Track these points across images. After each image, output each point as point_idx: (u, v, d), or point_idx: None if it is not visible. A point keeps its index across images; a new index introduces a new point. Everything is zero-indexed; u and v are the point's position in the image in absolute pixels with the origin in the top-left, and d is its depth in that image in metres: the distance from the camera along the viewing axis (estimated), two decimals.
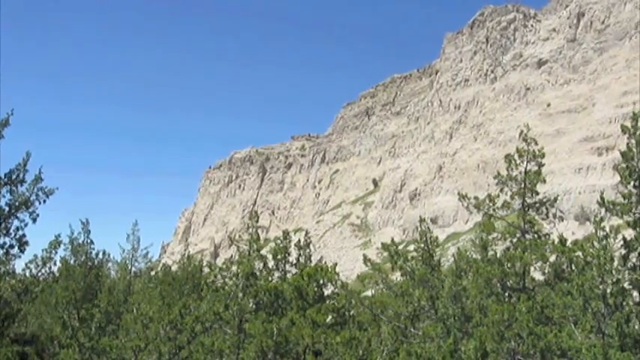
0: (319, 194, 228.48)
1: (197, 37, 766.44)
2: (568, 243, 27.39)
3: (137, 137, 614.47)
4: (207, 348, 29.27)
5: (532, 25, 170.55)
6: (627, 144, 23.54)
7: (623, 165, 23.48)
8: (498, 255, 29.01)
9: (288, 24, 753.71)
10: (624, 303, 22.86)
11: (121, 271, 53.66)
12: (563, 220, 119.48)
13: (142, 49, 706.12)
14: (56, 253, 28.12)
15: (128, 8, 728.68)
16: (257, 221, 33.60)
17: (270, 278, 36.04)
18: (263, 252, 35.97)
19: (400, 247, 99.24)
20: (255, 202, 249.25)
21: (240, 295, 30.80)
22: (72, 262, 46.38)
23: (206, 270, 48.15)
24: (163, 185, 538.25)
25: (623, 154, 23.51)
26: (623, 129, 23.87)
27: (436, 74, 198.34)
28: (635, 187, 23.39)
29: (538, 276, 29.40)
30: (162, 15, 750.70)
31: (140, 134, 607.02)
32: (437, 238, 33.39)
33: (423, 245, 32.33)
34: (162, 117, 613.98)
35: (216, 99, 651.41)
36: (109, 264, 55.18)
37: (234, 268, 33.91)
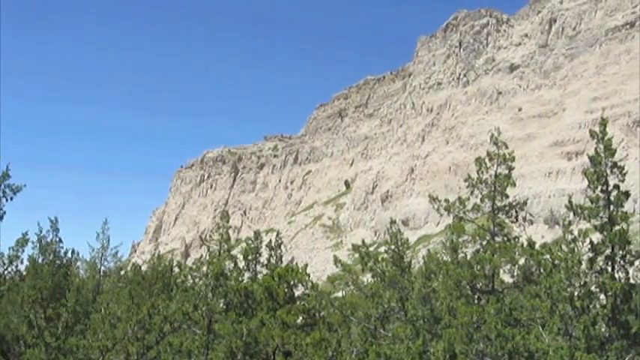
0: (291, 195, 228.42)
1: (170, 37, 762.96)
2: (537, 246, 27.62)
3: (109, 136, 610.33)
4: (175, 348, 29.10)
5: (505, 30, 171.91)
6: (595, 149, 23.82)
7: (591, 170, 23.75)
8: (468, 257, 29.17)
9: (262, 24, 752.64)
10: (591, 306, 23.11)
11: (90, 270, 53.07)
12: (532, 224, 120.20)
13: (113, 49, 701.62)
14: (23, 251, 27.83)
15: (101, 7, 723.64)
16: (228, 221, 33.52)
17: (240, 279, 35.94)
18: (234, 252, 35.89)
19: (371, 248, 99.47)
20: (227, 202, 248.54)
21: (210, 295, 30.65)
22: (40, 260, 45.82)
23: (176, 270, 47.91)
24: (135, 184, 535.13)
25: (591, 158, 23.77)
26: (592, 134, 24.15)
27: (409, 77, 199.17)
28: (602, 191, 23.66)
29: (507, 278, 29.62)
30: (136, 15, 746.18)
31: (112, 133, 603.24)
32: (407, 239, 33.50)
33: (393, 247, 32.42)
34: (135, 116, 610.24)
35: (189, 99, 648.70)
36: (78, 263, 54.59)
37: (204, 268, 33.78)
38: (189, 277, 39.54)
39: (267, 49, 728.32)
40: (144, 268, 61.80)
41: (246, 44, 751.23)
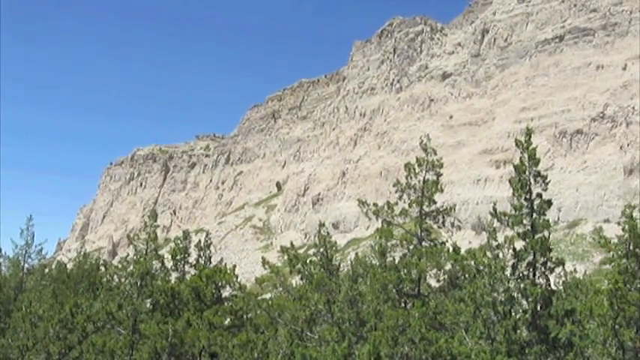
0: (222, 195, 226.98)
1: (103, 36, 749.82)
2: (462, 252, 28.11)
3: (37, 134, 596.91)
4: (98, 348, 28.59)
5: (438, 39, 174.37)
6: (520, 158, 24.37)
7: (516, 178, 24.30)
8: (396, 261, 29.47)
9: (198, 25, 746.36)
10: (512, 311, 23.62)
11: (12, 268, 51.79)
12: (460, 230, 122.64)
13: (42, 47, 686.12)
14: None
15: (26, 4, 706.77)
16: (155, 220, 33.10)
17: (167, 279, 35.56)
18: (163, 252, 35.45)
19: (301, 250, 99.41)
20: (157, 200, 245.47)
21: (135, 295, 30.22)
22: None
23: (102, 269, 47.14)
24: (64, 182, 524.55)
25: (515, 167, 24.32)
26: (517, 143, 24.71)
27: (343, 81, 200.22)
28: (525, 199, 24.22)
29: (434, 283, 30.02)
30: (66, 12, 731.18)
31: (41, 131, 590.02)
32: (336, 242, 33.66)
33: (322, 250, 32.54)
34: (65, 114, 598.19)
35: (121, 97, 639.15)
36: (0, 260, 53.27)
37: (131, 267, 33.28)
38: (115, 276, 38.91)
39: (202, 50, 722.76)
40: (70, 266, 60.57)
41: (181, 44, 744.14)
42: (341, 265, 34.67)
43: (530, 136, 24.51)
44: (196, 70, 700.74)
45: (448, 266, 28.76)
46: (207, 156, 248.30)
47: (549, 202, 24.24)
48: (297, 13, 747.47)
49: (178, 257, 38.27)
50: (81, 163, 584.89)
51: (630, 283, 22.29)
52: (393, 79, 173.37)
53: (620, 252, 22.62)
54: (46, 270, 55.74)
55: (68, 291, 44.02)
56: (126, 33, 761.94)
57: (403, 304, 28.68)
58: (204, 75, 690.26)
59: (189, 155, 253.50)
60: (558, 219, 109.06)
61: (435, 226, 31.14)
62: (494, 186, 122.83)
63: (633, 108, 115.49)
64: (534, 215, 24.06)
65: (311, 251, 36.82)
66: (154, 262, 34.57)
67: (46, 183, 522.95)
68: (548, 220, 24.47)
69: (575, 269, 52.00)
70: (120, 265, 33.93)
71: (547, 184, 24.38)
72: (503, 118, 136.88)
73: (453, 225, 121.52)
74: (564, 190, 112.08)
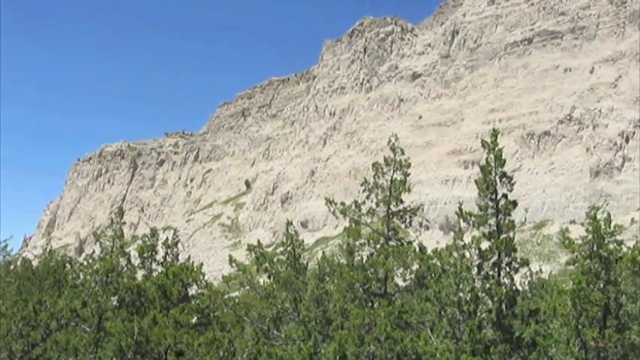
0: (191, 193, 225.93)
1: (71, 32, 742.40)
2: (430, 251, 28.23)
3: (4, 130, 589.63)
4: (61, 346, 28.27)
5: (409, 39, 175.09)
6: (486, 159, 24.54)
7: (482, 178, 24.46)
8: (364, 260, 29.51)
9: (167, 22, 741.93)
10: (477, 310, 23.78)
11: None
12: (428, 229, 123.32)
13: (7, 43, 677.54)
14: None
15: None
16: (122, 217, 32.85)
17: (134, 276, 35.29)
18: (131, 249, 35.17)
19: (270, 249, 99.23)
20: (125, 197, 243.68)
21: (100, 292, 29.95)
22: None
23: (68, 266, 46.61)
24: (31, 179, 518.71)
25: (482, 168, 24.48)
26: (484, 144, 24.87)
27: (313, 80, 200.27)
28: (491, 200, 24.41)
29: (402, 282, 30.11)
30: (34, 9, 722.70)
31: (7, 128, 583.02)
32: (303, 241, 33.65)
33: (289, 248, 32.51)
34: (33, 111, 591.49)
35: (90, 94, 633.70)
36: None
37: (97, 264, 32.99)
38: (81, 273, 38.54)
39: (173, 47, 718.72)
40: (35, 263, 59.82)
41: (152, 42, 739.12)
42: (309, 264, 34.65)
43: (496, 137, 24.69)
44: (166, 67, 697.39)
45: (415, 266, 28.87)
46: (175, 153, 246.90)
47: (514, 203, 24.44)
48: (268, 11, 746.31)
49: (145, 255, 37.99)
50: (48, 159, 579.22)
51: (593, 283, 22.53)
52: (363, 79, 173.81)
53: (583, 253, 22.86)
54: (11, 267, 55.00)
55: (33, 288, 43.48)
56: (96, 30, 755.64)
57: (370, 303, 28.72)
58: (174, 72, 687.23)
59: (158, 152, 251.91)
60: (525, 220, 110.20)
61: (402, 226, 31.21)
62: (462, 186, 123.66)
63: (600, 111, 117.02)
64: (500, 216, 24.26)
65: (279, 250, 36.78)
66: (120, 260, 34.31)
67: (13, 179, 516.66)
68: (513, 221, 24.68)
69: (541, 269, 52.54)
70: (85, 263, 33.61)
71: (512, 185, 24.58)
72: (472, 119, 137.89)
73: (421, 225, 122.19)
74: (531, 191, 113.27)
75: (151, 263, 38.77)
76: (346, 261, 30.11)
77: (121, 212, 33.15)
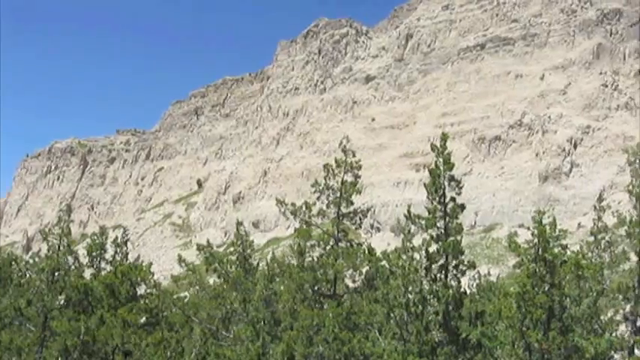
0: (142, 191, 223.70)
1: (20, 27, 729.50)
2: (380, 253, 28.41)
3: None
4: (4, 345, 27.79)
5: (363, 42, 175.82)
6: (435, 162, 24.82)
7: (431, 182, 24.73)
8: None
9: (121, 19, 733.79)
10: (425, 312, 24.04)
11: None
12: (380, 231, 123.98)
13: None
14: None
15: None
16: (70, 215, 32.45)
17: (81, 275, 34.87)
18: (79, 248, 34.71)
19: (221, 249, 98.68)
20: (74, 195, 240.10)
21: (46, 291, 29.51)
22: None
23: (14, 264, 45.83)
24: None
25: (431, 171, 24.76)
26: (433, 148, 25.15)
27: (267, 80, 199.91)
28: (440, 203, 24.69)
29: (352, 283, 30.27)
30: None
31: None
32: (253, 241, 33.62)
33: (239, 248, 32.46)
34: None
35: (41, 90, 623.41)
36: None
37: (43, 263, 32.51)
38: (28, 272, 37.94)
39: (126, 44, 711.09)
40: None
41: (106, 39, 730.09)
42: (260, 265, 34.63)
43: (445, 141, 24.99)
44: (119, 64, 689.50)
45: (366, 267, 29.03)
46: (127, 151, 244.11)
47: (462, 206, 24.76)
48: (223, 10, 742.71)
49: (94, 253, 37.61)
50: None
51: (538, 286, 22.94)
52: (317, 80, 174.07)
53: (529, 256, 23.27)
54: None
55: None
56: (46, 27, 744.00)
57: (319, 304, 28.80)
58: (127, 70, 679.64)
59: (109, 150, 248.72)
60: (475, 223, 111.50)
61: (352, 227, 31.35)
62: (413, 189, 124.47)
63: (549, 117, 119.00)
64: (447, 219, 24.55)
65: (230, 250, 36.67)
66: (67, 258, 33.85)
67: None
68: (460, 224, 24.99)
69: (489, 272, 53.33)
70: (32, 261, 33.09)
71: (461, 188, 24.89)
72: (424, 122, 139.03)
73: (372, 227, 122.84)
74: (482, 195, 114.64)
75: (99, 262, 38.37)
76: (296, 262, 30.17)
77: (68, 210, 32.75)
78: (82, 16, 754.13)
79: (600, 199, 37.56)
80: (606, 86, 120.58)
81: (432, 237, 24.45)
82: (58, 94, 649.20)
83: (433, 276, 24.31)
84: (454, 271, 24.49)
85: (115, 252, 39.43)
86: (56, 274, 30.27)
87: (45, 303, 28.85)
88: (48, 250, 32.39)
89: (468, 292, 33.11)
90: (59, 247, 32.24)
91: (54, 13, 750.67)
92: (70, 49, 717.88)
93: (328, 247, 29.01)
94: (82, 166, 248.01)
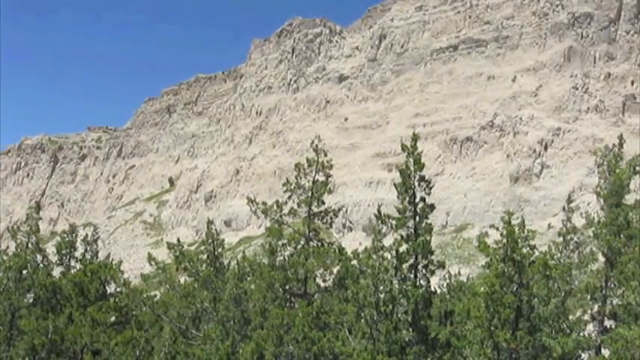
0: (113, 189, 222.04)
1: None
2: (350, 253, 28.48)
3: None
4: None
5: (337, 41, 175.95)
6: (406, 162, 24.92)
7: (401, 182, 24.83)
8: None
9: (94, 12, 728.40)
10: (395, 311, 24.15)
11: None
12: (352, 231, 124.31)
13: None
14: None
15: None
16: (38, 212, 32.18)
17: (50, 273, 34.57)
18: (49, 246, 34.40)
19: (193, 248, 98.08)
20: (44, 192, 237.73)
21: (13, 289, 29.23)
22: None
23: None
24: None
25: (401, 171, 24.87)
26: (404, 148, 25.24)
27: (241, 78, 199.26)
28: (410, 203, 24.81)
29: (322, 282, 30.31)
30: None
31: None
32: (224, 240, 33.54)
33: (210, 247, 32.37)
34: None
35: (9, 85, 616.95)
36: None
37: (10, 261, 32.16)
38: None
39: (98, 41, 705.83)
40: None
41: (76, 33, 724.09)
42: (231, 264, 34.54)
43: (415, 142, 25.10)
44: (91, 60, 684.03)
45: (337, 267, 29.09)
46: (98, 148, 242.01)
47: (432, 206, 24.91)
48: (197, 7, 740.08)
49: (64, 251, 37.29)
50: None
51: (506, 286, 23.15)
52: (291, 79, 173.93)
53: (498, 257, 23.47)
54: None
55: None
56: (17, 19, 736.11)
57: (290, 304, 28.81)
58: (97, 65, 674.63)
59: (80, 147, 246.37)
60: (447, 223, 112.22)
61: (323, 227, 31.38)
62: (385, 189, 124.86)
63: (521, 118, 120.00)
64: (417, 219, 24.68)
65: (201, 249, 36.58)
66: (36, 256, 33.57)
67: None
68: (430, 224, 25.13)
69: (459, 272, 53.65)
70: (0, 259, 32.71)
71: (431, 188, 25.03)
72: (397, 122, 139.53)
73: (344, 226, 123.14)
74: (453, 195, 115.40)
75: (69, 260, 38.05)
76: (267, 261, 30.15)
77: (37, 207, 32.49)
78: (53, 11, 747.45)
79: (569, 200, 37.88)
80: (577, 89, 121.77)
81: (402, 237, 24.56)
82: (28, 90, 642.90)
83: (403, 276, 24.42)
84: (424, 271, 24.63)
85: (85, 250, 39.17)
86: (24, 272, 29.98)
87: (12, 301, 28.59)
88: (16, 248, 32.08)
89: (439, 291, 33.33)
90: (27, 244, 31.95)
91: (22, 6, 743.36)
92: (41, 44, 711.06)
93: (299, 247, 29.04)
94: (52, 163, 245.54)
